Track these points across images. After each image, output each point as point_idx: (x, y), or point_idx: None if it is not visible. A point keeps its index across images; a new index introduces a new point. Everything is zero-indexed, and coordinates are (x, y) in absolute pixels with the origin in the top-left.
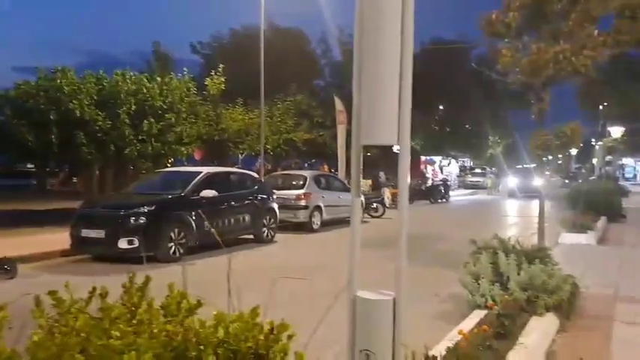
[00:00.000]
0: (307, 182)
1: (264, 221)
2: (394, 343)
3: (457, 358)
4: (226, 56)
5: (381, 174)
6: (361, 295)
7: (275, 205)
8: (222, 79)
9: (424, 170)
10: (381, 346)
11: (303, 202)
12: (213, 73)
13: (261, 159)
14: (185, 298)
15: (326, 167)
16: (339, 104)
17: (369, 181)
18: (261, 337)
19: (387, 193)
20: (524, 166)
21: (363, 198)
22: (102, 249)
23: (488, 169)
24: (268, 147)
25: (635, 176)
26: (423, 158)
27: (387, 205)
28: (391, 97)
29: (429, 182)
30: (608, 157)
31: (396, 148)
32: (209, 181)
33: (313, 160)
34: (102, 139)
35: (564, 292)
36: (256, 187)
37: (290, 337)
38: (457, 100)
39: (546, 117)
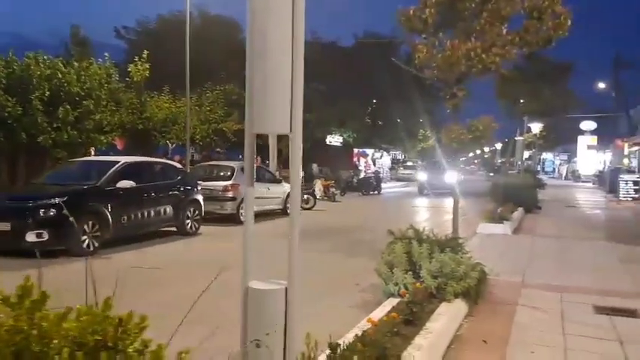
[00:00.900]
0: (235, 173)
1: (188, 213)
2: (286, 332)
3: (363, 345)
4: (152, 42)
5: (314, 166)
6: (253, 286)
7: (200, 197)
8: (147, 66)
9: (357, 162)
10: (273, 336)
11: (230, 194)
12: (137, 59)
13: (188, 149)
14: (29, 292)
15: (259, 159)
16: None
17: (301, 173)
18: (111, 329)
19: (318, 185)
20: (440, 160)
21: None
22: (7, 243)
23: (419, 162)
24: (197, 137)
25: (554, 170)
26: (355, 150)
27: (319, 197)
28: (283, 87)
29: (362, 174)
30: (530, 152)
31: (328, 140)
32: (127, 172)
33: None
34: (11, 126)
35: (472, 279)
36: (179, 177)
37: (143, 328)
38: (390, 94)
39: (461, 111)
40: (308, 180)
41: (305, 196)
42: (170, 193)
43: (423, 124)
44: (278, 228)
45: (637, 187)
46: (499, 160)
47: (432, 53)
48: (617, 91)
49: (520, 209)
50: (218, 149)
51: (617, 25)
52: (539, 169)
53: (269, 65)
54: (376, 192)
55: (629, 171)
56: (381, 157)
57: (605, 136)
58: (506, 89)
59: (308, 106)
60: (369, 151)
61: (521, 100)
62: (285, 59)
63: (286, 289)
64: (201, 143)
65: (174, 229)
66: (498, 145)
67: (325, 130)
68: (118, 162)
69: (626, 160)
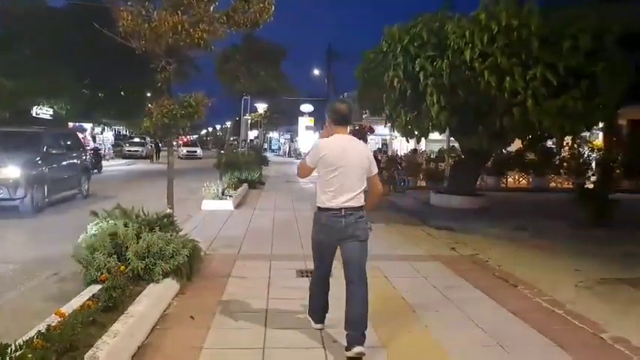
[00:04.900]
0: None
1: None
2: None
3: (45, 341)
4: None
5: None
6: None
7: None
8: None
9: None
10: None
11: None
12: None
13: None
14: None
15: None
16: None
17: None
18: None
19: None
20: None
21: None
22: None
23: (148, 138)
24: None
25: (279, 148)
26: (70, 124)
27: None
28: None
29: None
30: (257, 131)
31: (35, 112)
32: None
33: None
34: None
35: (182, 257)
36: None
37: None
38: (112, 64)
39: (188, 86)
40: None
41: None
42: None
43: (150, 98)
44: None
45: None
46: (231, 138)
47: (138, 22)
48: (329, 78)
49: (244, 185)
50: None
51: (332, 21)
52: (266, 147)
53: None
54: (96, 170)
55: None
56: (102, 132)
57: (321, 118)
58: (224, 68)
59: (8, 71)
60: (88, 126)
61: (241, 80)
62: None
63: None
64: None
65: None
66: (228, 123)
67: (31, 101)
68: None
69: None
